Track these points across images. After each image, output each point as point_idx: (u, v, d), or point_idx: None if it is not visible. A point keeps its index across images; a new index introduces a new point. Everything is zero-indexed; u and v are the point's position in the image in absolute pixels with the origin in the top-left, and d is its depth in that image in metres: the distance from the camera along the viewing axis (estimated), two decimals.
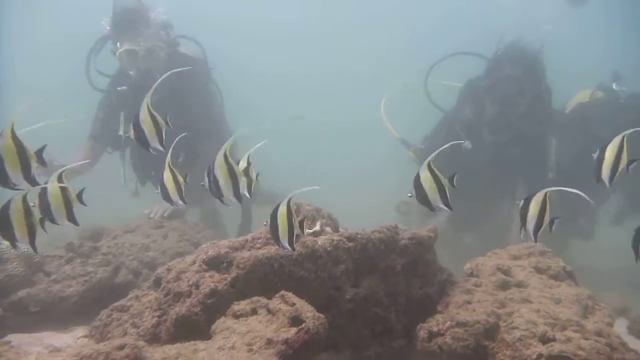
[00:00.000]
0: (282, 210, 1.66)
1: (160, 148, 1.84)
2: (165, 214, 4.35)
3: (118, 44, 4.51)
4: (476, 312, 1.82)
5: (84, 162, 4.53)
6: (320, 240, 1.94)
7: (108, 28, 4.61)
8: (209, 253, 2.23)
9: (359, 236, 2.00)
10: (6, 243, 2.96)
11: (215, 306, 1.87)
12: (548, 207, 1.60)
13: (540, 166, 4.68)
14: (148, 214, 4.39)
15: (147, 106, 1.76)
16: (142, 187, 4.96)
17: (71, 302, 2.89)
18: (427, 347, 1.83)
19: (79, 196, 1.81)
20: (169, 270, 2.32)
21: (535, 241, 1.66)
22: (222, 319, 1.72)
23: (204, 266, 2.20)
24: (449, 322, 1.81)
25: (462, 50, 5.17)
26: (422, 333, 1.87)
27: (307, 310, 1.57)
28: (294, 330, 1.54)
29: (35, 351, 1.58)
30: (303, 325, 1.51)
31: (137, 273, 3.20)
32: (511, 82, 4.46)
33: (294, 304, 1.63)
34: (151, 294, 2.26)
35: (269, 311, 1.67)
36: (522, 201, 1.64)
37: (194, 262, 2.27)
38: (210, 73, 5.10)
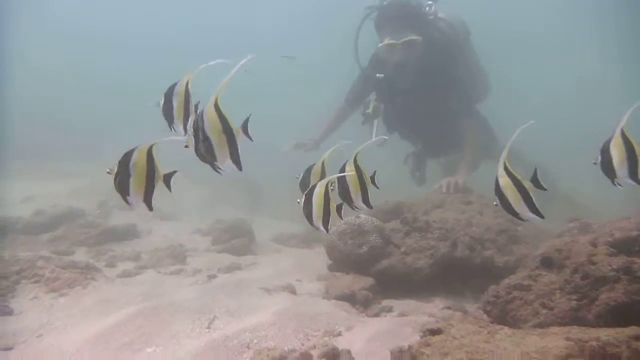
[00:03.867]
0: (319, 191, 1.65)
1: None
2: (457, 187, 4.43)
3: (382, 37, 4.86)
4: None
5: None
6: None
7: (368, 10, 5.04)
8: (616, 236, 2.08)
9: None
10: (364, 217, 3.32)
11: None
12: None
13: None
14: (439, 189, 4.53)
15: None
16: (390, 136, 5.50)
17: (423, 273, 3.09)
18: None
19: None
20: (559, 251, 2.25)
21: None
22: None
23: (611, 249, 2.07)
24: None
25: None
26: None
27: None
28: None
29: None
30: None
31: (472, 248, 3.26)
32: None
33: None
34: (546, 274, 2.22)
35: None
36: None
37: (595, 244, 2.15)
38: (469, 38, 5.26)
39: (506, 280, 2.30)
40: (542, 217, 1.56)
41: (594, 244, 2.15)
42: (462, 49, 5.19)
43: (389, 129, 5.55)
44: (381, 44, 4.85)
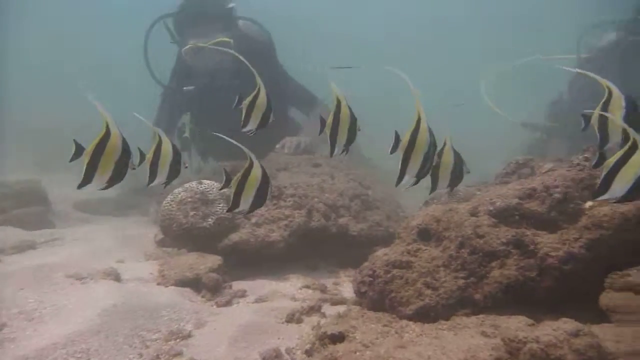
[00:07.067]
0: None
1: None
2: (300, 147, 4.18)
3: (185, 39, 4.09)
4: None
5: None
6: None
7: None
8: (497, 204, 1.95)
9: None
10: (208, 182, 2.75)
11: (572, 273, 1.62)
12: None
13: None
14: (281, 148, 4.22)
15: None
16: (203, 164, 4.70)
17: (278, 247, 2.69)
18: None
19: None
20: (437, 221, 2.07)
21: None
22: (611, 293, 1.46)
23: (493, 219, 1.94)
24: None
25: None
26: None
27: None
28: None
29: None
30: None
31: (327, 217, 2.97)
32: None
33: None
34: (426, 249, 2.01)
35: None
36: None
37: (476, 214, 2.00)
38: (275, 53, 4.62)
39: (383, 257, 2.02)
40: None
41: (474, 213, 2.00)
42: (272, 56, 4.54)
43: (205, 151, 4.58)
44: (185, 47, 4.02)
